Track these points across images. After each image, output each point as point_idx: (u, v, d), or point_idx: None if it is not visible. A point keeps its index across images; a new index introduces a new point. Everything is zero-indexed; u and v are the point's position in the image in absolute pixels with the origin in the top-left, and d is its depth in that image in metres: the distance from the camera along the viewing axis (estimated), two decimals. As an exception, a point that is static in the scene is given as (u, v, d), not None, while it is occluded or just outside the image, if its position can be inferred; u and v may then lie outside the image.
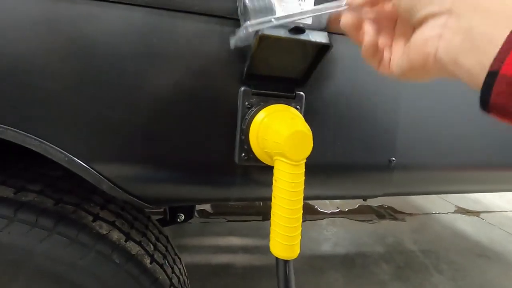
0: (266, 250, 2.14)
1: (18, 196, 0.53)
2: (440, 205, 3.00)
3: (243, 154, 0.46)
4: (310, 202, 2.74)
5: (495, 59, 0.24)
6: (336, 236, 2.25)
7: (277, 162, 0.38)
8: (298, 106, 0.46)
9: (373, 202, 2.89)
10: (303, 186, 0.39)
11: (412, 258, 2.05)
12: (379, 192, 0.59)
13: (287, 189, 0.37)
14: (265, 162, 0.44)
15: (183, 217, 0.97)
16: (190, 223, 2.27)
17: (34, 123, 0.41)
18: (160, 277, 0.65)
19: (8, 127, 0.39)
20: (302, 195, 0.39)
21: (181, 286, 0.74)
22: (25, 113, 0.40)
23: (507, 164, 0.63)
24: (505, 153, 0.62)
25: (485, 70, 0.25)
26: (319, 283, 1.74)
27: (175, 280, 0.70)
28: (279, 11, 0.36)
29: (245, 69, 0.42)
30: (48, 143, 0.41)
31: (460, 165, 0.60)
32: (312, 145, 0.38)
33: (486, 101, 0.26)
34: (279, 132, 0.37)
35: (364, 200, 0.66)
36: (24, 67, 0.39)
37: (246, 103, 0.44)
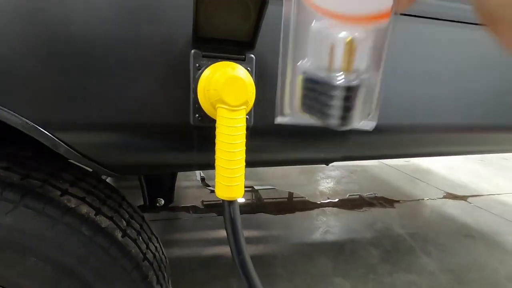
0: (255, 241, 2.16)
1: (-17, 171, 0.55)
2: (429, 192, 3.06)
3: (197, 115, 0.48)
4: (300, 194, 2.77)
5: None
6: (326, 225, 2.28)
7: (218, 110, 0.41)
8: (248, 68, 0.48)
9: (364, 192, 2.93)
10: (244, 132, 0.41)
11: (400, 242, 2.09)
12: (338, 154, 0.61)
13: (227, 133, 0.39)
14: (212, 117, 0.46)
15: (162, 202, 0.99)
16: (180, 218, 2.28)
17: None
18: (133, 251, 0.66)
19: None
20: (243, 140, 0.41)
21: (157, 263, 0.75)
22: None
23: (467, 126, 0.66)
24: (463, 115, 0.64)
25: None
26: (308, 269, 1.76)
27: (149, 255, 0.72)
28: None
29: (192, 31, 0.44)
30: (3, 108, 0.42)
31: (416, 127, 0.62)
32: (249, 92, 0.40)
33: None
34: (218, 80, 0.39)
35: (327, 164, 0.68)
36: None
37: (197, 64, 0.46)
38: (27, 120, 0.43)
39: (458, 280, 1.75)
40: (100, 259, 0.60)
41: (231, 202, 0.41)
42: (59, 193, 0.60)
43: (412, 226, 2.31)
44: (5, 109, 0.42)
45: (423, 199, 2.87)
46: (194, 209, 2.44)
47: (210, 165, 0.52)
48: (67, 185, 0.64)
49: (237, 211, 0.42)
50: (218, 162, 0.41)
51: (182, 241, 1.99)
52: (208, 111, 0.45)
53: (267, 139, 0.55)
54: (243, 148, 0.41)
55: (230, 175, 0.40)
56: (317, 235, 2.13)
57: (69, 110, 0.45)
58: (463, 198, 2.95)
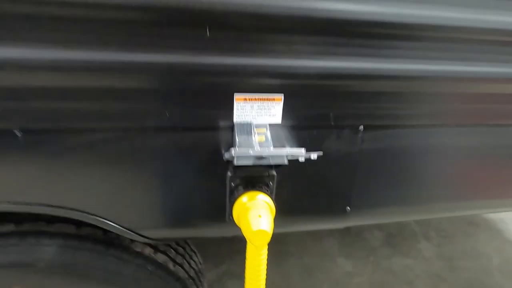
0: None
1: (78, 231, 0.77)
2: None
3: (231, 217, 0.65)
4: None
5: None
6: (337, 205, 2.49)
7: (247, 244, 0.57)
8: (270, 182, 0.62)
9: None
10: (265, 258, 0.58)
11: (404, 226, 2.28)
12: (340, 226, 0.79)
13: (253, 265, 0.57)
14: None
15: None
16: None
17: (100, 210, 0.66)
18: (181, 275, 0.90)
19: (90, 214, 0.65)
20: (264, 266, 0.59)
21: (196, 275, 1.00)
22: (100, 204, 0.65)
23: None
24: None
25: None
26: (317, 248, 2.02)
27: (192, 273, 0.96)
28: (257, 148, 0.55)
29: (228, 172, 0.62)
30: (105, 220, 0.66)
31: (403, 203, 0.82)
32: (269, 238, 0.56)
33: None
34: (249, 225, 0.55)
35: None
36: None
37: (232, 184, 0.62)
38: (122, 228, 0.67)
39: (451, 267, 1.96)
40: None
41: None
42: (129, 241, 0.82)
43: (418, 211, 2.47)
44: (110, 222, 0.65)
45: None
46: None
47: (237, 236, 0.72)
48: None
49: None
50: (246, 280, 0.60)
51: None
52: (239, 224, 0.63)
53: (286, 219, 0.73)
54: (265, 268, 0.58)
55: (256, 291, 0.59)
56: (328, 215, 2.36)
57: (139, 214, 0.68)
58: (477, 181, 3.00)
